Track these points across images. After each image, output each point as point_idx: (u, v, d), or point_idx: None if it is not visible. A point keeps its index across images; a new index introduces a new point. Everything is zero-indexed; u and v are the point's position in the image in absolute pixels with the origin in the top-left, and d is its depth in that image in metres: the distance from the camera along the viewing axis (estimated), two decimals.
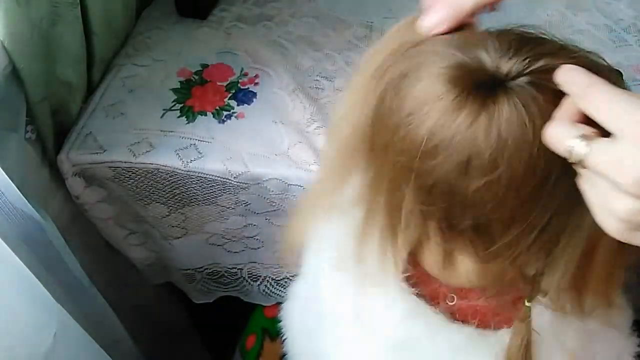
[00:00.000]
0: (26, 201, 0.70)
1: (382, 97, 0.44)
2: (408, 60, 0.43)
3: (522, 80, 0.38)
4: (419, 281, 0.52)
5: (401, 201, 0.46)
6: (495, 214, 0.41)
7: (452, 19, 0.40)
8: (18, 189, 0.68)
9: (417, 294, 0.52)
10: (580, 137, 0.34)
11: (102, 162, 0.89)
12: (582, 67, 0.37)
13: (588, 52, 0.42)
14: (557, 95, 0.37)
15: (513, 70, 0.39)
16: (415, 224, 0.47)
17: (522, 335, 0.48)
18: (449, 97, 0.39)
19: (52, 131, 0.91)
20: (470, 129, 0.38)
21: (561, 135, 0.35)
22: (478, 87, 0.39)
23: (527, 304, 0.47)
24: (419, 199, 0.44)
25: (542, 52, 0.39)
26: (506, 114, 0.37)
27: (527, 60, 0.39)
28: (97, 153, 0.90)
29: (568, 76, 0.36)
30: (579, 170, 0.35)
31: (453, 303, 0.52)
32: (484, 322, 0.51)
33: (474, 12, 0.42)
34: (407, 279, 0.52)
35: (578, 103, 0.35)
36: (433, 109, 0.40)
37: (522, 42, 0.40)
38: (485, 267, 0.48)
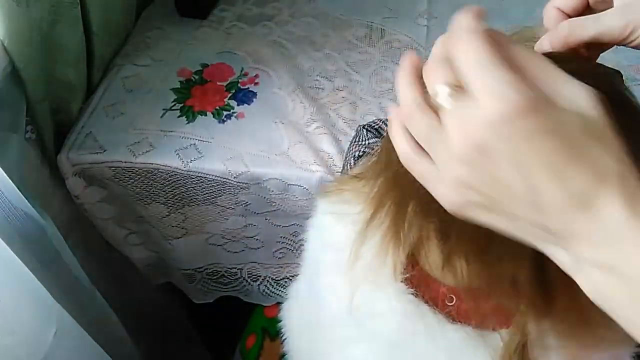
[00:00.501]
0: (26, 201, 0.70)
1: None
2: None
3: None
4: (418, 282, 0.52)
5: (406, 204, 0.46)
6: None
7: (563, 44, 0.40)
8: (18, 189, 0.68)
9: (416, 294, 0.52)
10: (448, 86, 0.31)
11: (102, 162, 0.89)
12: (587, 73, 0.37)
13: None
14: None
15: None
16: (417, 226, 0.47)
17: (518, 340, 0.48)
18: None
19: (52, 131, 0.91)
20: None
21: (433, 76, 0.32)
22: None
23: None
24: (421, 202, 0.44)
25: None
26: None
27: None
28: (97, 153, 0.90)
29: (461, 18, 0.33)
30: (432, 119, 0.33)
31: (452, 303, 0.52)
32: (483, 322, 0.51)
33: (588, 45, 0.41)
34: (406, 280, 0.52)
35: (449, 43, 0.32)
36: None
37: None
38: (484, 270, 0.48)
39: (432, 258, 0.51)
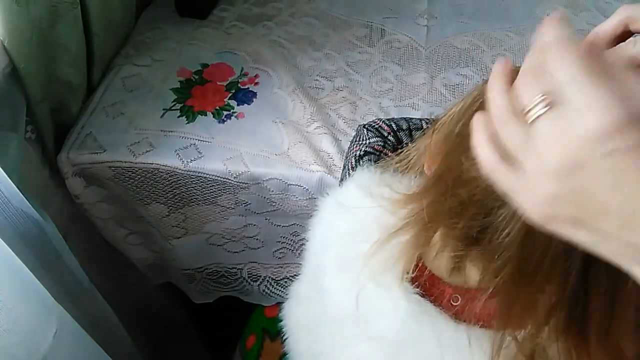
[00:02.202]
0: (26, 201, 0.70)
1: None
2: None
3: None
4: (423, 282, 0.52)
5: (441, 211, 0.46)
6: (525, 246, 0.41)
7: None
8: (18, 189, 0.68)
9: (422, 294, 0.52)
10: (545, 97, 0.30)
11: (102, 162, 0.89)
12: None
13: None
14: None
15: None
16: (442, 232, 0.48)
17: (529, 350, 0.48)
18: None
19: (52, 131, 0.91)
20: None
21: (529, 86, 0.31)
22: None
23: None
24: (454, 210, 0.44)
25: None
26: None
27: None
28: (97, 153, 0.90)
29: (550, 27, 0.32)
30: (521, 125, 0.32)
31: (457, 303, 0.52)
32: (489, 322, 0.51)
33: None
34: (411, 280, 0.52)
35: (545, 55, 0.31)
36: None
37: None
38: (494, 275, 0.48)
39: (443, 262, 0.51)
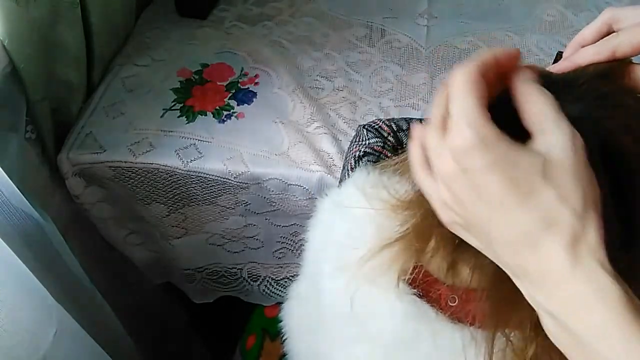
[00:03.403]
0: (26, 201, 0.70)
1: None
2: None
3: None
4: (420, 282, 0.52)
5: (432, 221, 0.46)
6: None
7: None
8: (18, 189, 0.68)
9: (418, 294, 0.52)
10: (440, 118, 0.34)
11: (102, 162, 0.89)
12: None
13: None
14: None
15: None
16: (437, 236, 0.48)
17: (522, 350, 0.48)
18: None
19: (52, 131, 0.91)
20: None
21: (434, 108, 0.35)
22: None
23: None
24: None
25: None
26: None
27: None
28: (97, 153, 0.90)
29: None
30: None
31: (454, 304, 0.52)
32: (485, 323, 0.51)
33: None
34: (409, 281, 0.52)
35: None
36: None
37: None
38: (483, 274, 0.48)
39: (438, 264, 0.51)
